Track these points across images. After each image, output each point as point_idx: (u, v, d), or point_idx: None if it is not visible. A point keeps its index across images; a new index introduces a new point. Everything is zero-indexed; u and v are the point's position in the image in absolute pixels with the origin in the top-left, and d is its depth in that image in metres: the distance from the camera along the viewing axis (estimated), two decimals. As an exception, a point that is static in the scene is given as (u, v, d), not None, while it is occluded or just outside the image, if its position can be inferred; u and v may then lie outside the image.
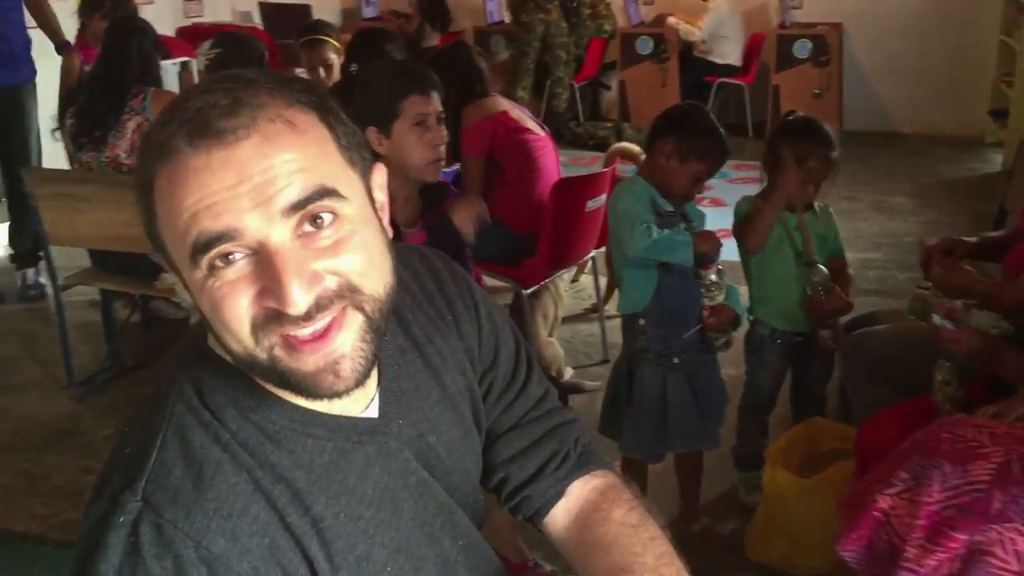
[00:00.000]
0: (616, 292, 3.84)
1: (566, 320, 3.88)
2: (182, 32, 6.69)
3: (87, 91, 3.50)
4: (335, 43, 3.95)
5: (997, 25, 6.91)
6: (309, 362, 0.85)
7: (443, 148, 2.26)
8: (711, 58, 7.42)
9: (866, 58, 7.58)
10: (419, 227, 2.36)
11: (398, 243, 0.99)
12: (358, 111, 2.21)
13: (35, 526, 2.65)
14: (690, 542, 2.47)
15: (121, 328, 3.73)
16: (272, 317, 0.83)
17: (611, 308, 3.87)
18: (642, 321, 2.32)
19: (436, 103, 2.27)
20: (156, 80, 3.57)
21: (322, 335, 0.84)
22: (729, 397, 2.55)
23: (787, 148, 2.44)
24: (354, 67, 3.49)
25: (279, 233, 0.82)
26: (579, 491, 1.16)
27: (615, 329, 2.53)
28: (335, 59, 3.88)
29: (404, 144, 2.21)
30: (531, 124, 3.44)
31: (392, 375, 1.02)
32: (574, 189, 3.25)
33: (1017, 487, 0.99)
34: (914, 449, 1.11)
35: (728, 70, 7.41)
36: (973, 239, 2.39)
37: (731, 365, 2.87)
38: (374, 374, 0.97)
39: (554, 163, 3.47)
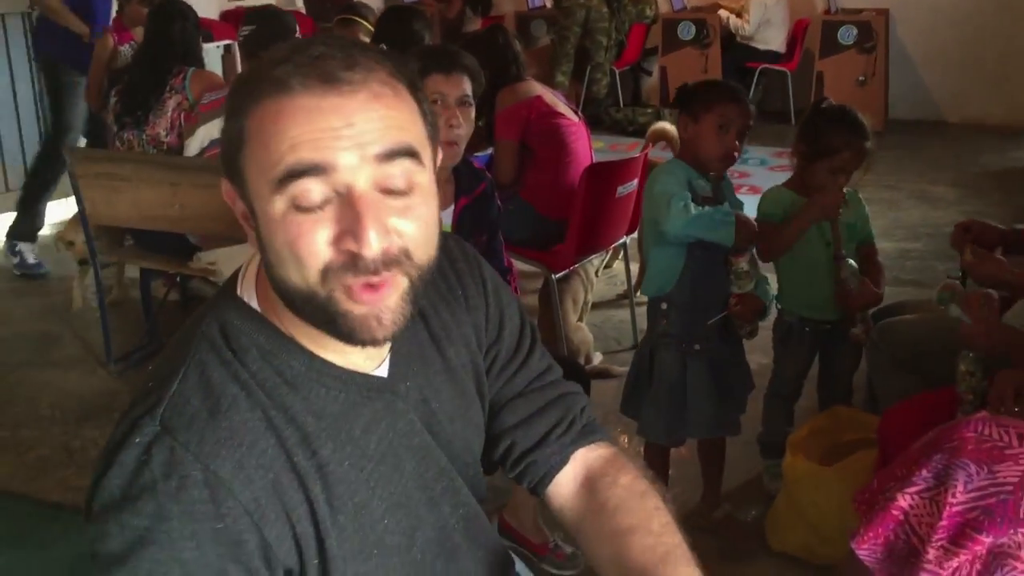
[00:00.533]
0: (646, 277, 3.85)
1: (597, 306, 3.88)
2: (225, 15, 6.77)
3: (131, 72, 3.59)
4: (368, 26, 3.98)
5: (1049, 12, 6.77)
6: (362, 308, 0.91)
7: (460, 131, 2.22)
8: (754, 44, 7.35)
9: (913, 45, 7.45)
10: (451, 211, 2.37)
11: None
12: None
13: (70, 497, 2.72)
14: (712, 528, 2.47)
15: (159, 306, 3.81)
16: (347, 265, 0.89)
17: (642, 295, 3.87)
18: (664, 305, 2.32)
19: (462, 86, 2.26)
20: (198, 61, 3.66)
21: (375, 287, 0.90)
22: (755, 385, 2.54)
23: (823, 168, 2.41)
24: (382, 47, 3.51)
25: (365, 180, 0.88)
26: (584, 458, 1.20)
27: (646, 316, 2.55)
28: (367, 41, 3.91)
29: None
30: (564, 109, 3.44)
31: (402, 341, 1.06)
32: (605, 174, 3.25)
33: None
34: (935, 448, 1.09)
35: (771, 56, 7.34)
36: (1001, 227, 2.36)
37: (760, 353, 2.86)
38: None
39: (587, 148, 3.47)
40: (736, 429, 2.44)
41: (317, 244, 0.88)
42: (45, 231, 4.76)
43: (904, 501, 1.08)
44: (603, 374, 3.31)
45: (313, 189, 0.87)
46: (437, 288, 1.15)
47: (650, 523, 1.08)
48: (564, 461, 1.19)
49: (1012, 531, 0.98)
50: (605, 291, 4.11)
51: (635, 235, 3.66)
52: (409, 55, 2.43)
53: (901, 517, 1.08)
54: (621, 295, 4.05)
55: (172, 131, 3.40)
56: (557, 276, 3.27)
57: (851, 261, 2.47)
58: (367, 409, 1.02)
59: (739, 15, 7.33)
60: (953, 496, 1.03)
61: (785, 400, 2.68)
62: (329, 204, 0.88)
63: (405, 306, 0.94)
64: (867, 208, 2.64)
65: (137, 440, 0.90)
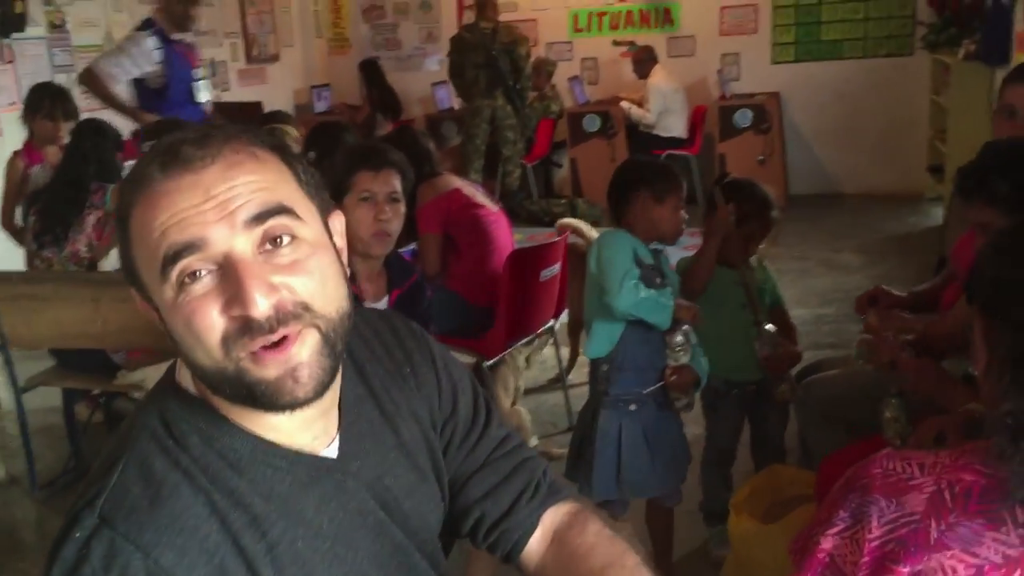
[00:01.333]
0: (578, 361, 3.91)
1: (531, 391, 3.92)
2: (137, 133, 6.77)
3: (49, 191, 3.57)
4: (293, 131, 4.06)
5: (927, 85, 7.21)
6: (271, 369, 0.91)
7: (390, 224, 2.31)
8: (657, 132, 7.63)
9: (805, 124, 7.85)
10: (385, 302, 2.40)
11: (362, 306, 1.04)
12: (321, 168, 2.27)
13: (1, 632, 2.60)
14: (664, 599, 2.48)
15: (83, 429, 3.70)
16: (241, 329, 0.89)
17: (574, 377, 3.93)
18: (605, 366, 2.37)
19: (390, 182, 2.32)
20: (116, 177, 3.65)
21: (279, 345, 0.90)
22: (692, 456, 2.58)
23: (718, 193, 2.54)
24: (311, 154, 3.59)
25: (242, 245, 0.90)
26: (551, 519, 1.20)
27: (579, 398, 2.58)
28: (293, 147, 3.98)
29: (351, 218, 2.27)
30: (483, 200, 3.53)
31: (351, 420, 1.07)
32: (528, 260, 3.33)
33: (951, 515, 1.03)
34: (849, 487, 1.15)
35: (675, 142, 7.62)
36: (902, 293, 2.49)
37: (694, 424, 2.92)
38: (334, 415, 1.04)
39: (508, 236, 3.55)
40: (677, 497, 2.48)
41: (211, 317, 0.89)
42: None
43: (828, 543, 1.13)
44: (550, 456, 3.33)
45: (192, 267, 0.89)
46: (386, 367, 1.16)
47: (624, 559, 1.10)
48: (535, 526, 1.19)
49: (926, 557, 1.03)
50: (538, 376, 4.14)
51: (564, 319, 3.74)
52: (341, 149, 2.50)
53: (827, 559, 1.12)
54: (553, 379, 4.09)
55: (92, 248, 3.38)
56: (488, 363, 3.30)
57: (769, 326, 2.57)
58: (316, 490, 1.01)
59: (640, 105, 7.63)
60: (869, 532, 1.08)
61: (721, 466, 2.74)
62: (212, 278, 0.90)
63: (323, 359, 0.94)
64: (774, 275, 2.76)
65: (77, 535, 0.89)
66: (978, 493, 1.01)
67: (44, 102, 4.10)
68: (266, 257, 0.91)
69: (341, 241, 1.03)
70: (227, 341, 0.89)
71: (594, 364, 2.43)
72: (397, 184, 2.35)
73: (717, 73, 7.76)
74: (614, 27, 8.19)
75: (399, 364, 1.17)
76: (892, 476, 1.08)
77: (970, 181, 1.89)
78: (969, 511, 0.99)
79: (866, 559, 1.06)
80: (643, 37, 7.93)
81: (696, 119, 7.75)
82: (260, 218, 0.90)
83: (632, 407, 2.36)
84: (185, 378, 1.00)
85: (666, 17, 8.03)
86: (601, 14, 8.20)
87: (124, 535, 0.88)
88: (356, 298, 1.02)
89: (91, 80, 4.72)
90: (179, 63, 4.75)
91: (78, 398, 3.67)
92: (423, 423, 1.17)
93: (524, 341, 3.51)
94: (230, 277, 0.89)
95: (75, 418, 3.64)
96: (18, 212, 3.96)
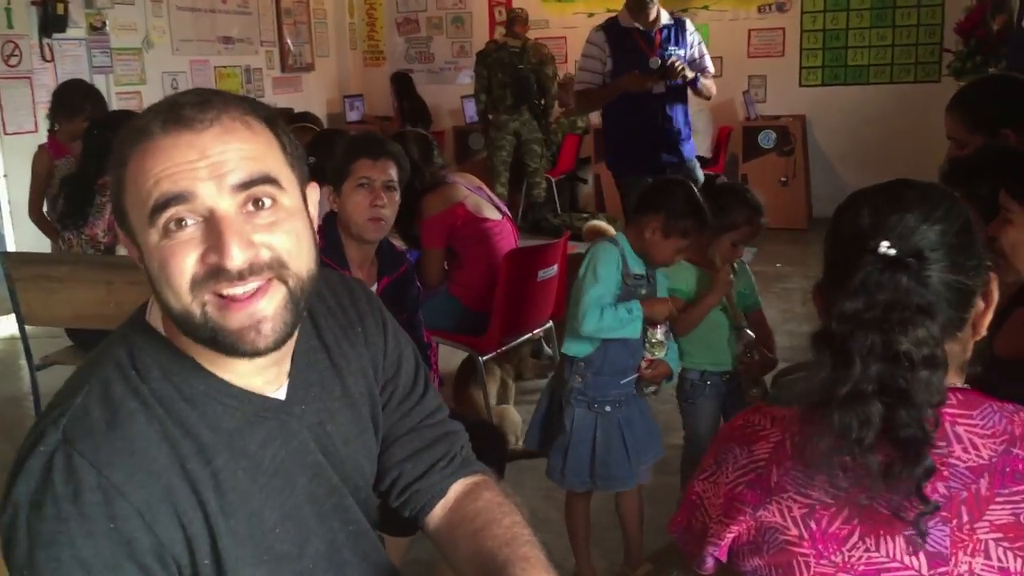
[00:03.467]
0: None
1: (530, 392, 3.98)
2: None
3: (71, 180, 3.72)
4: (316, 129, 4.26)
5: (953, 112, 7.20)
6: (235, 319, 1.00)
7: (385, 211, 2.41)
8: (681, 150, 7.69)
9: (831, 148, 7.87)
10: (374, 289, 2.50)
11: (325, 267, 1.15)
12: (321, 172, 2.40)
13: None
14: (633, 588, 2.53)
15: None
16: (211, 274, 0.98)
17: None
18: (582, 364, 2.44)
19: (388, 171, 2.44)
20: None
21: (250, 298, 1.00)
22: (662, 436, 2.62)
23: (720, 250, 2.58)
24: (312, 159, 3.71)
25: (227, 204, 0.98)
26: (457, 489, 1.29)
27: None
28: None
29: (347, 202, 2.39)
30: (488, 211, 3.56)
31: (302, 368, 1.16)
32: (525, 260, 3.40)
33: (789, 461, 1.12)
34: (718, 439, 1.26)
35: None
36: None
37: (664, 400, 2.94)
38: (287, 363, 1.13)
39: (511, 244, 3.58)
40: (647, 475, 2.56)
41: (186, 261, 0.98)
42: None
43: (697, 487, 1.23)
44: (530, 454, 3.38)
45: (179, 217, 0.98)
46: (339, 323, 1.25)
47: (502, 519, 1.19)
48: (443, 492, 1.29)
49: (767, 499, 1.12)
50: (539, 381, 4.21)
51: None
52: (342, 139, 2.62)
53: (696, 500, 1.22)
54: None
55: (109, 232, 3.52)
56: (483, 359, 3.38)
57: (749, 332, 2.63)
58: (262, 427, 1.10)
59: (665, 123, 7.69)
60: (725, 476, 1.18)
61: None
62: (196, 228, 0.98)
63: (286, 314, 1.02)
64: (753, 277, 2.81)
65: (42, 448, 0.99)
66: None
67: (85, 105, 4.25)
68: (247, 217, 1.00)
69: (314, 211, 1.12)
70: (195, 283, 0.98)
71: (570, 359, 2.49)
72: (394, 173, 2.46)
73: (743, 94, 7.82)
74: (643, 46, 8.28)
75: (352, 322, 1.26)
76: (749, 428, 1.18)
77: (958, 174, 1.94)
78: (804, 458, 1.08)
79: (721, 500, 1.16)
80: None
81: (721, 139, 7.81)
82: (246, 185, 0.99)
83: (607, 408, 2.44)
84: (155, 318, 1.09)
85: (694, 38, 8.11)
86: (630, 33, 8.30)
87: (82, 453, 0.98)
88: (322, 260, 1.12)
89: (583, 99, 4.62)
90: (630, 50, 4.35)
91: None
92: (368, 377, 1.26)
93: (520, 340, 3.59)
94: (213, 229, 0.98)
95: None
96: (45, 205, 4.12)
